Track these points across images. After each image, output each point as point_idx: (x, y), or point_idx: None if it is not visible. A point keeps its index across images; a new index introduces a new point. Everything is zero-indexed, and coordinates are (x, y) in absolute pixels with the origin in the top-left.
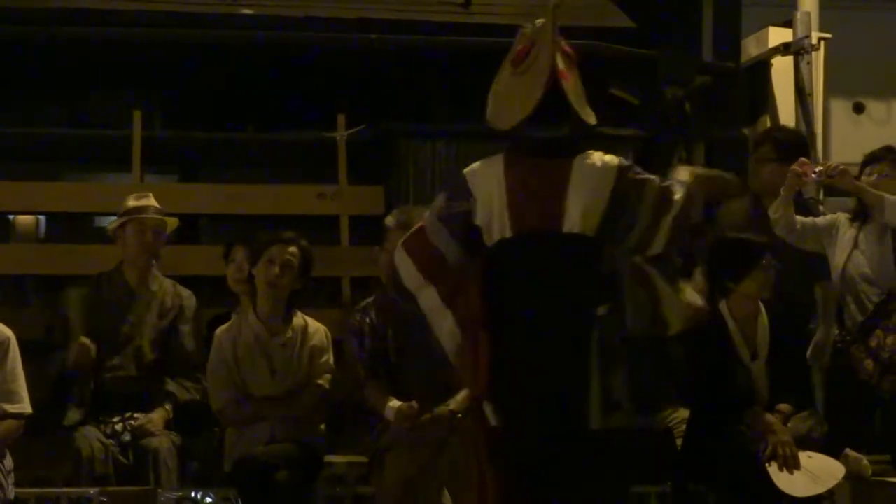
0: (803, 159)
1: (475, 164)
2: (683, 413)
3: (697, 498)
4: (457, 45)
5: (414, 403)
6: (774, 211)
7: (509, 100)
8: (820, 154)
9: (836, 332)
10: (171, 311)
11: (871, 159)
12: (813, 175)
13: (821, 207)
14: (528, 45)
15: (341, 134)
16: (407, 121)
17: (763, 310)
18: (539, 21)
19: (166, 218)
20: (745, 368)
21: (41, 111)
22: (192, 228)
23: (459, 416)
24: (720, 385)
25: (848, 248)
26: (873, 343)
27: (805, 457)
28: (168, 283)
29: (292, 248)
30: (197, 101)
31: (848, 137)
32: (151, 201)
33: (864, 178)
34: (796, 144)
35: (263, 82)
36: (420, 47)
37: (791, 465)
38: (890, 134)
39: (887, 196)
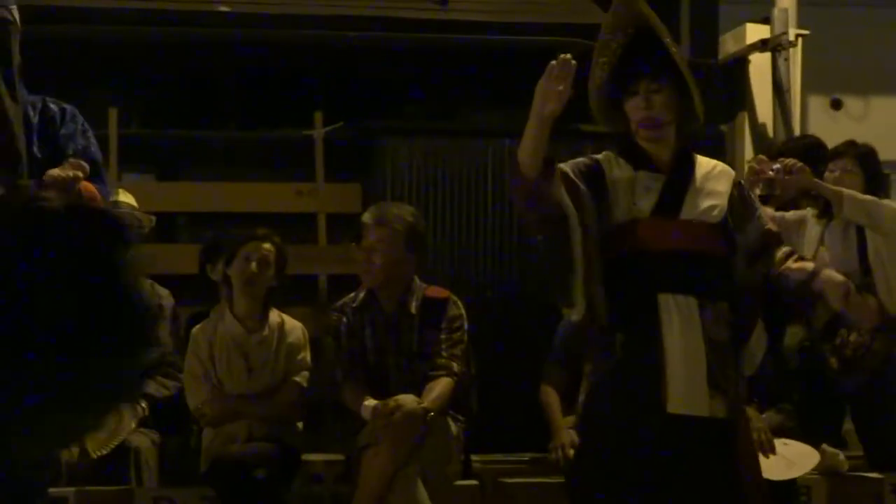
0: (761, 156)
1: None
2: None
3: None
4: (435, 42)
5: (389, 402)
6: None
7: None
8: None
9: (805, 330)
10: (150, 311)
11: (834, 155)
12: (770, 172)
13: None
14: None
15: (319, 132)
16: (384, 119)
17: None
18: None
19: (141, 215)
20: None
21: None
22: (169, 227)
23: (432, 413)
24: None
25: (814, 244)
26: (837, 341)
27: (780, 443)
28: (146, 283)
29: (267, 245)
30: (174, 99)
31: (826, 134)
32: (121, 197)
33: (827, 173)
34: None
35: (240, 80)
36: (397, 45)
37: (766, 449)
38: (867, 130)
39: (846, 191)
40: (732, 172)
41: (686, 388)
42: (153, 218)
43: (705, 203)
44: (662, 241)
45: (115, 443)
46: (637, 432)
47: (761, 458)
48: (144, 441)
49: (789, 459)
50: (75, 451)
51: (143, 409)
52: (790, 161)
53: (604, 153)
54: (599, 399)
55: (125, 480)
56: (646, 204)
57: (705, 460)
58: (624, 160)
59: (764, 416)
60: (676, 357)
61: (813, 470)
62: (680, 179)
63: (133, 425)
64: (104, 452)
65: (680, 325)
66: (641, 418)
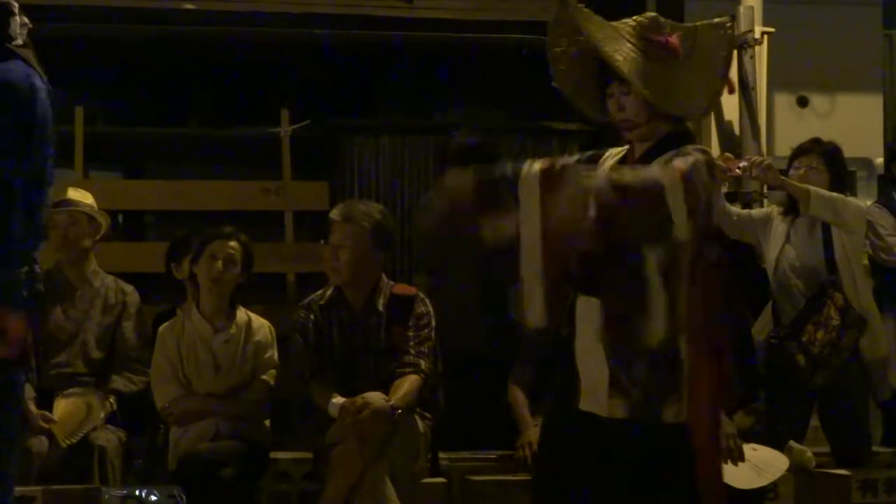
0: (728, 154)
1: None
2: None
3: None
4: (402, 40)
5: (356, 399)
6: None
7: (686, 88)
8: (764, 148)
9: (771, 327)
10: (115, 308)
11: (799, 152)
12: (737, 170)
13: (765, 201)
14: (680, 35)
15: (285, 129)
16: (351, 116)
17: None
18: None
19: (97, 214)
20: None
21: None
22: (137, 225)
23: (400, 411)
24: None
25: (780, 241)
26: (805, 338)
27: (749, 449)
28: (110, 279)
29: (233, 243)
30: (140, 97)
31: (792, 131)
32: (70, 195)
33: (792, 170)
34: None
35: (207, 78)
36: (364, 42)
37: (735, 457)
38: (833, 127)
39: (812, 189)
40: (681, 164)
41: (590, 388)
42: (109, 218)
43: None
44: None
45: (84, 431)
46: (566, 433)
47: (729, 465)
48: (111, 439)
49: (758, 466)
50: (45, 441)
51: (111, 403)
52: (757, 158)
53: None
54: (547, 401)
55: (90, 478)
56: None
57: (623, 461)
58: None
59: (734, 417)
60: (581, 358)
61: None
62: None
63: (102, 416)
64: (73, 441)
65: (585, 327)
66: (569, 418)
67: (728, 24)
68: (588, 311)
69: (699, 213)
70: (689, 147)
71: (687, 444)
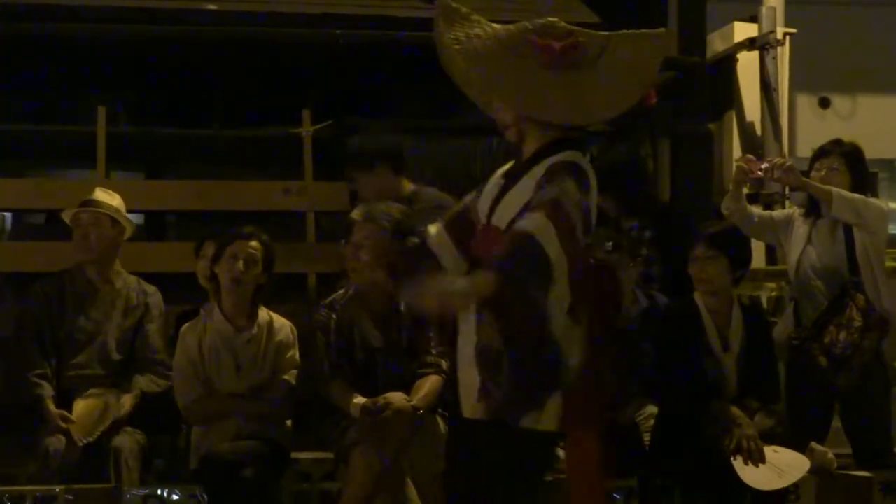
0: (749, 156)
1: (581, 159)
2: (652, 409)
3: (663, 493)
4: (422, 40)
5: (378, 399)
6: (725, 207)
7: (581, 95)
8: (785, 149)
9: (792, 328)
10: (137, 309)
11: (820, 153)
12: (759, 171)
13: (787, 202)
14: (572, 42)
15: (307, 130)
16: (372, 116)
17: (737, 302)
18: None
19: (122, 219)
20: (716, 359)
21: (6, 108)
22: (158, 225)
23: (421, 411)
24: (690, 374)
25: (801, 243)
26: (826, 339)
27: (770, 451)
28: (133, 279)
29: (254, 243)
30: (162, 97)
31: (813, 132)
32: (96, 195)
33: (813, 172)
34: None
35: (229, 78)
36: (385, 42)
37: (756, 458)
38: (855, 128)
39: (835, 190)
40: (551, 167)
41: (465, 394)
42: (133, 224)
43: (507, 207)
44: (473, 248)
45: (100, 430)
46: (449, 439)
47: (750, 467)
48: (129, 441)
49: (779, 468)
50: (62, 440)
51: (136, 396)
52: (779, 160)
53: None
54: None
55: (105, 478)
56: (484, 211)
57: (478, 461)
58: None
59: (755, 418)
60: (461, 363)
61: None
62: (509, 184)
63: (121, 414)
64: (90, 440)
65: (463, 331)
66: (454, 424)
67: (662, 37)
68: (465, 316)
69: (574, 235)
70: (559, 161)
71: (540, 452)
